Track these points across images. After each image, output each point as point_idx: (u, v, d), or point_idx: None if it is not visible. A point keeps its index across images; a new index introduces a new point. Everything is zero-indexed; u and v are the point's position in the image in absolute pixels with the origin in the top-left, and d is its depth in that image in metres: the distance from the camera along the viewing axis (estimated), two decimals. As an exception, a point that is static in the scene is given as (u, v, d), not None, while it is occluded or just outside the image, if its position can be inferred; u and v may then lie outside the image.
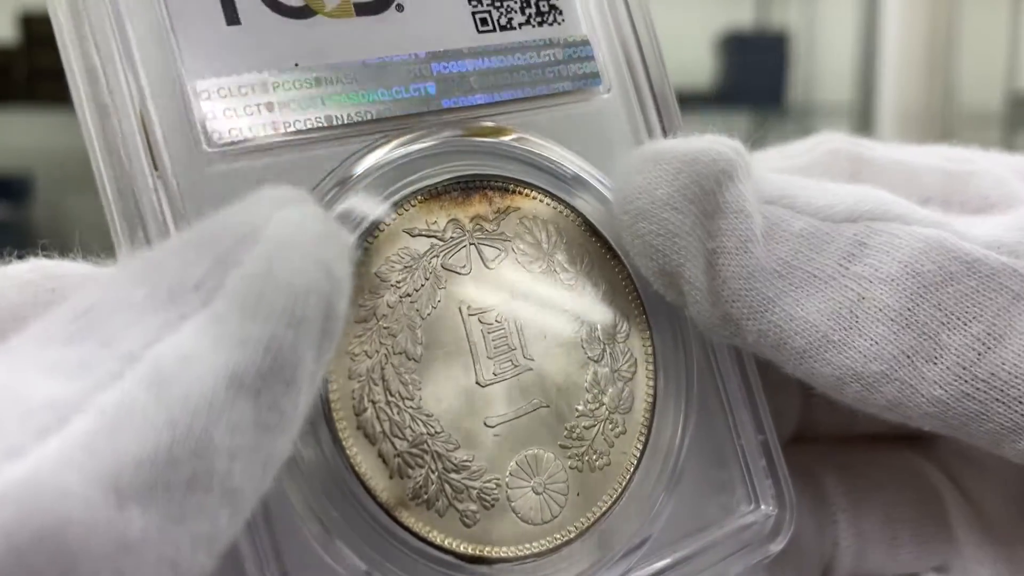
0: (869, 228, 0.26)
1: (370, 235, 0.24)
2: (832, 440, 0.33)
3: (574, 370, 0.27)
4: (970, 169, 0.31)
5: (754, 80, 2.46)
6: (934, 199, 0.31)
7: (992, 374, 0.24)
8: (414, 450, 0.24)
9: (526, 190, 0.27)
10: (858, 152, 0.32)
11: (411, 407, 0.24)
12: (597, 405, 0.27)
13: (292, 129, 0.24)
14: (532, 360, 0.26)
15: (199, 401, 0.17)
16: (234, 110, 0.23)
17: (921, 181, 0.31)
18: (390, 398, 0.24)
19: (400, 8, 0.26)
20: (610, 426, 0.27)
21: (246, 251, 0.18)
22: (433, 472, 0.24)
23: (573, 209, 0.28)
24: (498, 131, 0.27)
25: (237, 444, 0.17)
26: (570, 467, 0.26)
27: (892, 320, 0.25)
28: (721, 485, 0.29)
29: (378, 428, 0.23)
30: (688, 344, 0.29)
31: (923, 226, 0.26)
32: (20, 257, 0.24)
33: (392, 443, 0.24)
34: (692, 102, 2.53)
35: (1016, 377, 0.24)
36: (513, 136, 0.27)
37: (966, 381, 0.24)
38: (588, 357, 0.27)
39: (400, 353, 0.24)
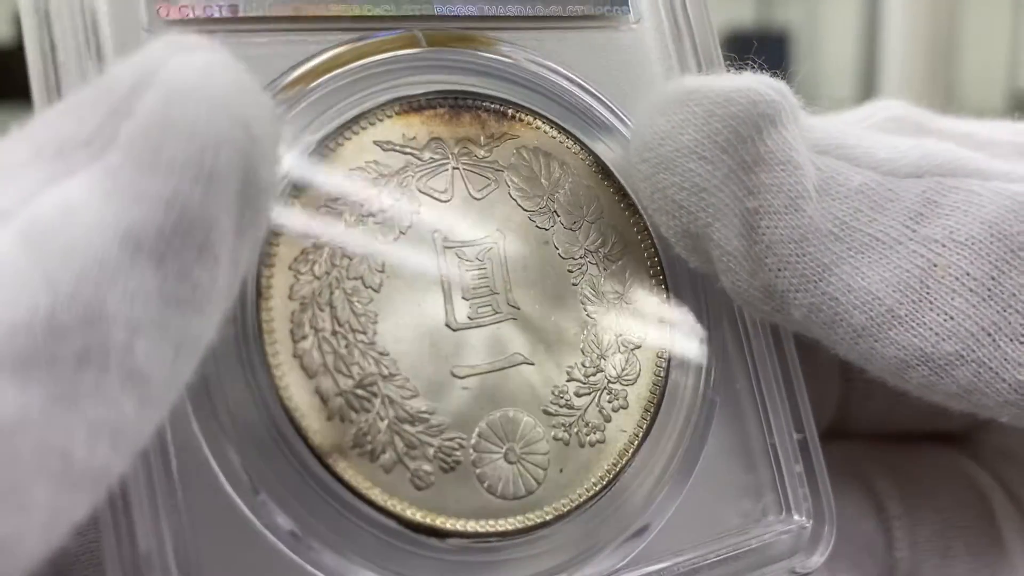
0: (941, 184, 0.22)
1: (332, 141, 0.21)
2: (866, 438, 0.28)
3: (569, 327, 0.23)
4: None
5: (755, 78, 2.43)
6: None
7: None
8: (360, 391, 0.20)
9: (528, 117, 0.23)
10: (921, 121, 0.27)
11: (362, 341, 0.20)
12: (594, 371, 0.23)
13: (255, 14, 0.21)
14: (517, 308, 0.22)
15: (85, 260, 0.14)
16: (188, -14, 0.20)
17: (991, 153, 0.27)
18: (337, 328, 0.20)
19: (397, -97, 0.23)
20: (608, 397, 0.23)
21: (140, 99, 0.16)
22: (382, 420, 0.20)
23: (584, 146, 0.24)
24: (498, 46, 0.24)
25: (139, 316, 0.14)
26: (554, 438, 0.22)
27: (972, 291, 0.21)
28: (745, 487, 0.25)
29: (318, 360, 0.20)
30: (713, 317, 0.25)
31: (1008, 180, 0.22)
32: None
33: (334, 379, 0.20)
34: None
35: None
36: (519, 55, 0.24)
37: None
38: (588, 316, 0.23)
39: (356, 279, 0.21)
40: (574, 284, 0.23)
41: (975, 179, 0.22)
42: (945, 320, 0.21)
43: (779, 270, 0.22)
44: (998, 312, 0.20)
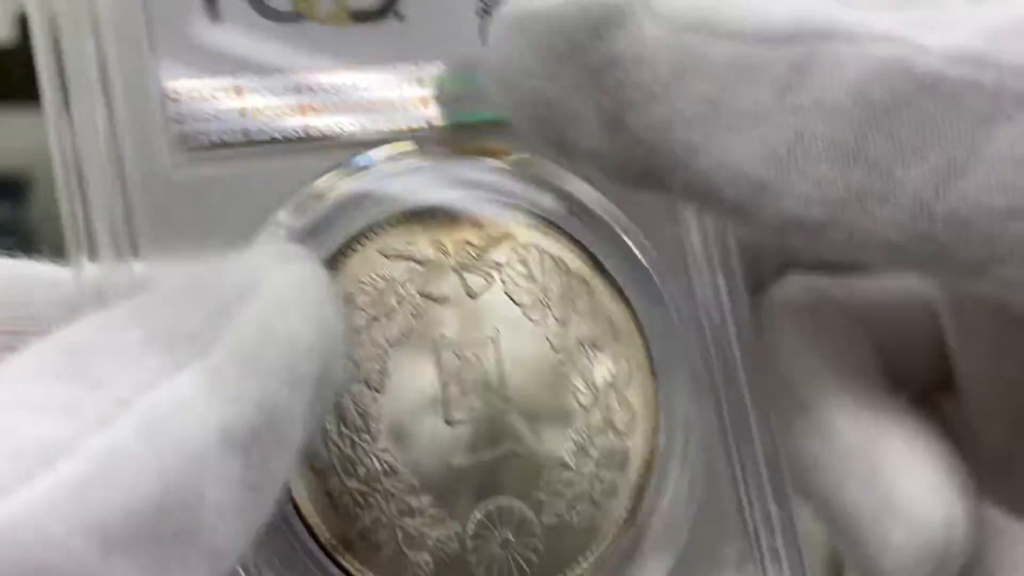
0: (811, 50, 0.21)
1: (341, 254, 0.23)
2: None
3: (559, 416, 0.24)
4: None
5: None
6: None
7: (952, 211, 0.20)
8: (365, 487, 0.22)
9: (522, 216, 0.25)
10: None
11: (366, 441, 0.22)
12: (583, 457, 0.24)
13: (267, 138, 0.22)
14: (510, 401, 0.24)
15: (191, 452, 0.17)
16: (204, 113, 0.22)
17: None
18: (343, 430, 0.22)
19: (400, 17, 0.24)
20: (597, 483, 0.24)
21: (245, 305, 0.18)
22: (384, 514, 0.22)
23: (575, 240, 0.26)
24: (499, 152, 0.25)
25: (225, 501, 0.17)
26: (546, 524, 0.24)
27: (838, 157, 0.21)
28: (725, 560, 0.26)
29: (327, 461, 0.22)
30: (697, 398, 0.26)
31: (874, 41, 0.21)
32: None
33: (341, 479, 0.22)
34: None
35: (979, 212, 0.20)
36: (516, 157, 0.25)
37: (923, 220, 0.21)
38: (578, 403, 0.25)
39: (361, 382, 0.22)
40: (565, 375, 0.25)
41: (843, 42, 0.21)
42: (813, 187, 0.21)
43: (648, 157, 0.22)
44: (863, 175, 0.21)
